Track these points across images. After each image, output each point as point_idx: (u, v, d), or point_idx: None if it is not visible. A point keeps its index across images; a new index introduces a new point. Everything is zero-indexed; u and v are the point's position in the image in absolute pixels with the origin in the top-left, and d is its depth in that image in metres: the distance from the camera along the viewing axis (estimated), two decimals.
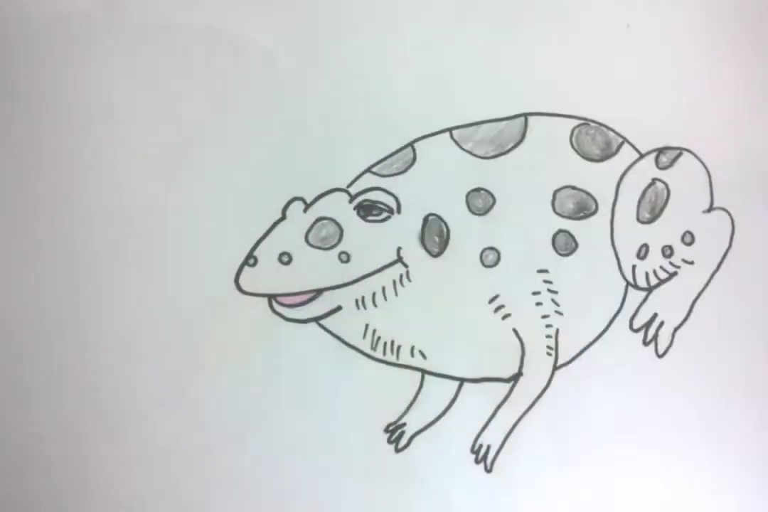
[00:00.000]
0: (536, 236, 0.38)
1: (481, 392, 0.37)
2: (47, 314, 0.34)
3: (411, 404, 0.36)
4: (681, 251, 0.40)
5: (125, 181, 0.34)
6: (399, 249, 0.37)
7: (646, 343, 0.40)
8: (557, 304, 0.38)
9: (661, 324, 0.40)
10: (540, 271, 0.38)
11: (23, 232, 0.33)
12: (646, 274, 0.40)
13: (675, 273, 0.40)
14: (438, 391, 0.37)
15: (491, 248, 0.38)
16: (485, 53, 0.38)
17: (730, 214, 0.41)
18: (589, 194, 0.39)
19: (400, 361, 0.36)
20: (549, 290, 0.38)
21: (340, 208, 0.36)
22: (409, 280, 0.37)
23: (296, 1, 0.36)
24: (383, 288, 0.36)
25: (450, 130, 0.38)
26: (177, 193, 0.34)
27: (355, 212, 0.36)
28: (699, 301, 0.41)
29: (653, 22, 0.41)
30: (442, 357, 0.37)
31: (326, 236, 0.36)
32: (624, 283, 0.40)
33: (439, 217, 0.37)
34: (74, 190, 0.34)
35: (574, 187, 0.39)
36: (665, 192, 0.40)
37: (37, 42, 0.33)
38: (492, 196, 0.38)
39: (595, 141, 0.40)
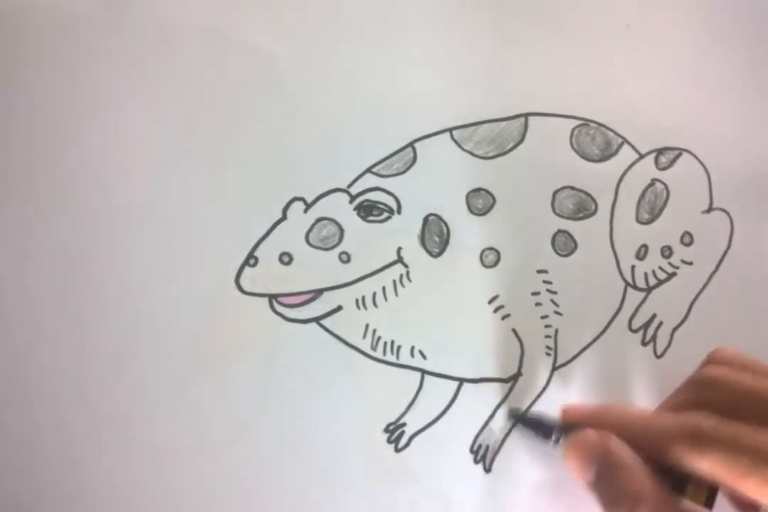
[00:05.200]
0: (536, 236, 0.38)
1: (481, 392, 0.37)
2: (45, 314, 0.33)
3: (411, 404, 0.36)
4: (680, 252, 0.40)
5: (125, 181, 0.34)
6: (399, 249, 0.37)
7: (644, 343, 0.40)
8: (556, 305, 0.38)
9: (660, 324, 0.40)
10: (539, 272, 0.38)
11: (21, 232, 0.33)
12: (645, 275, 0.40)
13: (674, 274, 0.40)
14: (438, 391, 0.37)
15: (491, 248, 0.38)
16: (485, 53, 0.38)
17: (729, 215, 0.41)
18: (588, 194, 0.39)
19: (400, 361, 0.36)
20: (548, 290, 0.38)
21: (341, 209, 0.36)
22: (410, 280, 0.37)
23: (297, 2, 0.36)
24: (383, 289, 0.36)
25: (450, 130, 0.38)
26: (177, 193, 0.34)
27: (355, 212, 0.36)
28: (697, 302, 0.41)
29: (653, 22, 0.41)
30: (441, 357, 0.37)
31: (327, 236, 0.36)
32: (623, 284, 0.40)
33: (439, 217, 0.37)
34: (73, 190, 0.34)
35: (573, 188, 0.39)
36: (664, 192, 0.40)
37: (36, 42, 0.33)
38: (492, 196, 0.38)
39: (595, 141, 0.40)
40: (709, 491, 0.27)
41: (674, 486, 0.28)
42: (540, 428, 0.34)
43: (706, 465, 0.26)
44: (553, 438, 0.32)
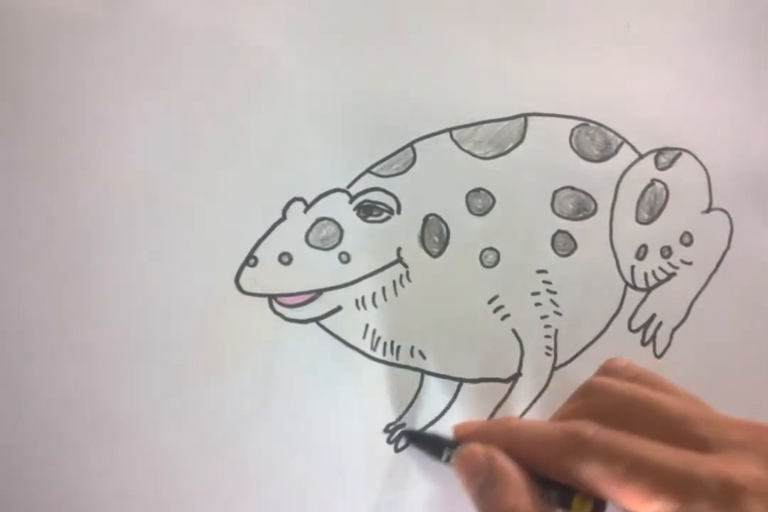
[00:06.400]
0: (536, 236, 0.38)
1: (480, 392, 0.37)
2: (44, 314, 0.33)
3: (411, 404, 0.36)
4: (679, 252, 0.41)
5: (125, 181, 0.34)
6: (399, 249, 0.37)
7: (644, 344, 0.40)
8: (556, 305, 0.38)
9: (660, 324, 0.40)
10: (539, 272, 0.38)
11: (20, 232, 0.33)
12: (645, 275, 0.40)
13: (673, 274, 0.41)
14: (438, 391, 0.37)
15: (491, 248, 0.38)
16: (485, 53, 0.38)
17: (728, 215, 0.42)
18: (588, 195, 0.39)
19: (400, 361, 0.36)
20: (548, 290, 0.38)
21: (340, 209, 0.36)
22: (409, 280, 0.37)
23: (297, 1, 0.35)
24: (383, 289, 0.36)
25: (450, 130, 0.38)
26: (177, 193, 0.34)
27: (355, 212, 0.36)
28: (697, 302, 0.41)
29: (653, 22, 0.41)
30: (441, 358, 0.37)
31: (326, 236, 0.36)
32: (623, 284, 0.40)
33: (439, 217, 0.37)
34: (72, 190, 0.34)
35: (573, 188, 0.39)
36: (664, 192, 0.40)
37: (35, 42, 0.33)
38: (492, 196, 0.38)
39: (595, 141, 0.40)
40: (595, 504, 0.26)
41: (561, 500, 0.26)
42: (432, 446, 0.33)
43: (586, 472, 0.24)
44: (445, 456, 0.31)
